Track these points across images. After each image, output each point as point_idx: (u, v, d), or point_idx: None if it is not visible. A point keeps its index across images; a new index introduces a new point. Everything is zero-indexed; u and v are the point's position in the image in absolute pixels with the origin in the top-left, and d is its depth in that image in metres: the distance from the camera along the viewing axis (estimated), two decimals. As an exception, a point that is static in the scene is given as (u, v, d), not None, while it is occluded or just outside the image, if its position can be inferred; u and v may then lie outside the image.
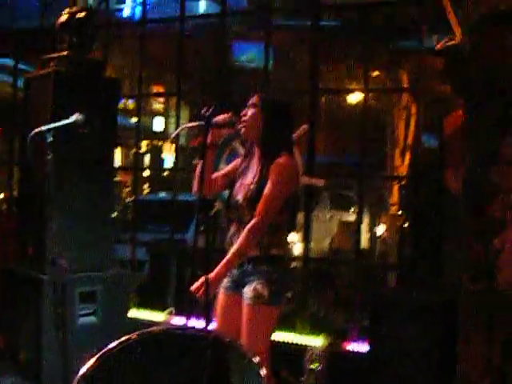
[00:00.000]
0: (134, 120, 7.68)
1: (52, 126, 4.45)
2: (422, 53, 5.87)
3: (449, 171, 5.22)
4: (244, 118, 3.95)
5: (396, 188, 8.38)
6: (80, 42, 5.93)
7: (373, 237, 9.93)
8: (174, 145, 7.40)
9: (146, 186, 22.64)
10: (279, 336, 5.90)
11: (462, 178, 4.75)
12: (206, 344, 2.13)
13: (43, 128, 4.41)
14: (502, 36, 4.50)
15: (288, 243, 4.06)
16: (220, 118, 3.82)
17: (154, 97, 13.35)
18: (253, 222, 3.79)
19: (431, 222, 5.55)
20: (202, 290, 3.65)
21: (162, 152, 24.14)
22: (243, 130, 3.95)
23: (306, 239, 6.18)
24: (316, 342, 5.82)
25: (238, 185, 4.03)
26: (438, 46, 5.39)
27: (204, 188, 3.94)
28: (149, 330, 2.34)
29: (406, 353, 4.75)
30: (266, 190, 3.81)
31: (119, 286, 6.08)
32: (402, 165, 8.00)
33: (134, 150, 7.81)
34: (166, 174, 22.02)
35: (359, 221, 6.36)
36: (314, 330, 6.01)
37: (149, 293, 8.25)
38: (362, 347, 5.64)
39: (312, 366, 1.46)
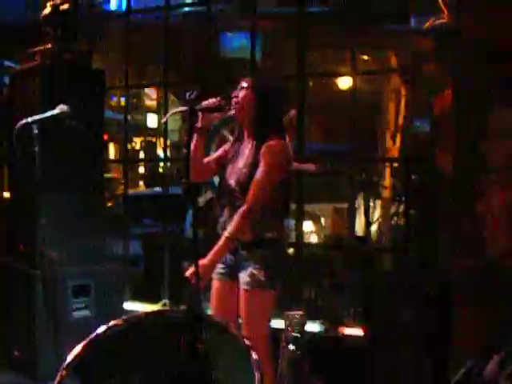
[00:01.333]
0: (128, 116, 7.56)
1: (37, 117, 4.42)
2: (410, 34, 5.81)
3: (440, 151, 5.18)
4: (235, 100, 3.90)
5: (388, 171, 8.36)
6: (64, 34, 5.89)
7: (366, 221, 9.91)
8: (165, 139, 7.30)
9: (141, 182, 22.65)
10: (274, 323, 5.88)
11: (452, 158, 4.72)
12: (189, 322, 2.09)
13: (28, 120, 4.37)
14: (489, 10, 4.46)
15: (283, 226, 4.00)
16: (210, 101, 3.75)
17: (141, 88, 13.19)
18: (244, 206, 3.76)
19: (425, 204, 5.52)
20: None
21: (156, 148, 24.11)
22: (235, 111, 3.90)
23: (300, 224, 6.14)
24: (312, 327, 5.81)
25: (229, 169, 3.99)
26: (426, 25, 5.36)
27: (196, 173, 3.93)
28: (135, 313, 2.30)
29: (401, 336, 4.71)
30: (257, 174, 3.77)
31: (113, 279, 6.04)
32: (394, 147, 7.97)
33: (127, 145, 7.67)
34: (161, 170, 22.05)
35: (352, 205, 6.33)
36: (310, 315, 5.98)
37: (143, 285, 8.23)
38: (358, 331, 5.61)
39: (294, 334, 1.41)
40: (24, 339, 5.65)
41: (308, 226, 10.29)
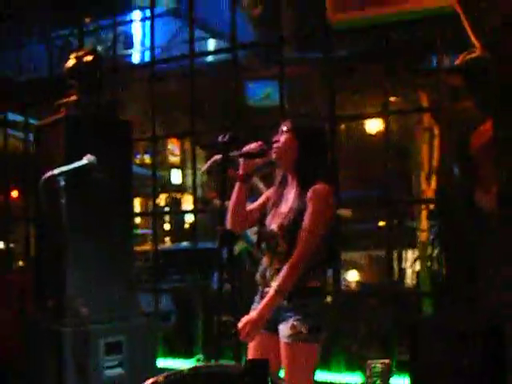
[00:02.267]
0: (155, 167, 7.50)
1: (64, 168, 4.31)
2: (441, 72, 5.67)
3: (479, 190, 4.99)
4: (277, 144, 3.73)
5: (424, 214, 8.18)
6: (89, 86, 5.82)
7: (404, 266, 9.73)
8: (192, 196, 7.20)
9: (167, 239, 22.59)
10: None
11: (494, 196, 4.53)
12: (239, 376, 1.90)
13: (55, 172, 4.26)
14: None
15: (325, 275, 3.81)
16: (251, 146, 3.64)
17: (167, 138, 13.20)
18: (294, 255, 3.56)
19: (464, 246, 5.31)
20: (246, 331, 3.50)
21: (181, 204, 24.11)
22: (276, 156, 3.74)
23: (337, 272, 5.96)
24: (353, 378, 5.62)
25: (271, 214, 3.80)
26: (458, 61, 5.22)
27: (240, 223, 3.81)
28: (176, 371, 2.11)
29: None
30: (306, 220, 3.59)
31: (145, 335, 5.86)
32: (429, 189, 7.79)
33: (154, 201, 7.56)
34: (187, 226, 22.00)
35: (389, 250, 6.13)
36: (350, 366, 5.78)
37: (175, 341, 8.06)
38: (402, 381, 5.39)
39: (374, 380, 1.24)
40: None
41: (353, 274, 10.16)
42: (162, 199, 24.20)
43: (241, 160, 3.69)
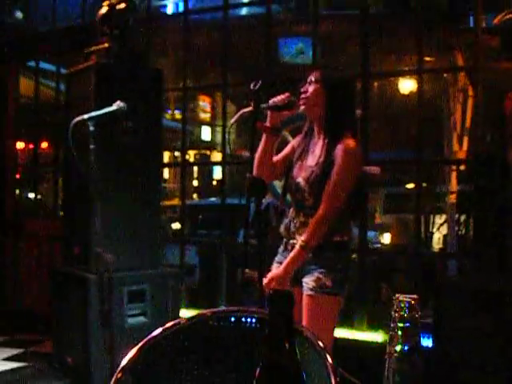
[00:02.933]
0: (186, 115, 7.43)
1: (93, 114, 4.28)
2: (478, 31, 5.55)
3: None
4: (305, 95, 3.67)
5: (454, 175, 8.08)
6: (121, 34, 5.77)
7: (432, 228, 9.68)
8: (221, 153, 7.14)
9: (195, 195, 22.64)
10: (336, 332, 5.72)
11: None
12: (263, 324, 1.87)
13: (84, 116, 4.23)
14: None
15: (351, 230, 3.76)
16: (278, 98, 3.57)
17: (199, 90, 13.07)
18: (321, 210, 3.53)
19: (494, 208, 5.24)
20: (271, 287, 3.49)
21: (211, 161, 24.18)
22: (304, 107, 3.67)
23: (364, 230, 5.91)
24: (375, 337, 5.60)
25: (297, 166, 3.75)
26: (496, 20, 5.12)
27: (267, 174, 3.76)
28: (199, 313, 2.08)
29: (475, 347, 4.41)
30: (334, 175, 3.54)
31: (169, 285, 5.87)
32: (460, 150, 7.69)
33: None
34: (214, 183, 22.02)
35: (417, 212, 6.06)
36: (373, 325, 5.76)
37: (200, 294, 8.08)
38: (426, 342, 5.35)
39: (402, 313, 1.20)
40: (78, 346, 5.50)
41: (381, 236, 10.13)
42: (191, 155, 24.27)
43: (268, 112, 3.64)
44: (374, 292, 6.88)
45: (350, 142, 3.60)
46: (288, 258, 3.56)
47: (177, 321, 2.08)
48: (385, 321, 5.81)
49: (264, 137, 3.73)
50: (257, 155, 3.75)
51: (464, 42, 6.65)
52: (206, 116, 23.69)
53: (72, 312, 5.62)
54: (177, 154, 15.69)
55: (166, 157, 21.26)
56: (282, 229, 3.74)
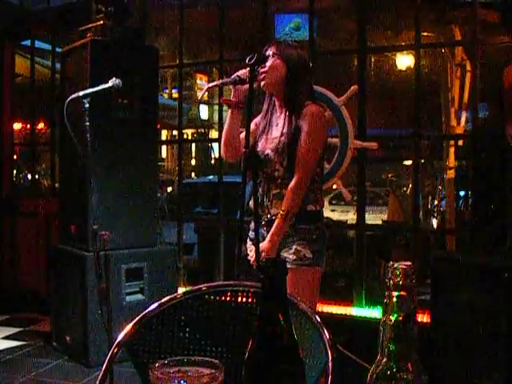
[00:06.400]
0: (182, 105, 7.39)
1: (88, 91, 4.25)
2: (477, 5, 5.51)
3: (510, 126, 4.88)
4: (264, 69, 3.63)
5: (452, 151, 8.04)
6: (116, 11, 5.74)
7: (430, 204, 9.68)
8: (218, 132, 7.12)
9: (193, 174, 22.66)
10: (334, 309, 5.72)
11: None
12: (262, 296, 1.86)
13: (80, 93, 4.20)
14: None
15: (322, 199, 3.73)
16: (240, 72, 3.52)
17: (194, 66, 12.96)
18: (295, 178, 3.52)
19: (493, 183, 5.22)
20: (262, 256, 3.45)
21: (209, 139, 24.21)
22: (264, 82, 3.65)
23: (362, 208, 5.90)
24: (373, 313, 5.61)
25: (262, 141, 3.73)
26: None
27: (233, 150, 3.75)
28: (195, 287, 2.07)
29: (471, 321, 4.40)
30: (303, 142, 3.54)
31: (166, 263, 5.88)
32: (459, 126, 7.65)
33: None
34: (213, 162, 22.04)
35: (415, 188, 6.05)
36: (371, 301, 5.77)
37: (197, 272, 8.07)
38: (423, 318, 5.35)
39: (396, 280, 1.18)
40: (77, 324, 5.51)
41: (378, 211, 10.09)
42: (189, 134, 24.27)
43: (232, 87, 3.61)
44: (373, 268, 6.89)
45: (314, 108, 3.62)
46: (272, 230, 3.53)
47: (173, 295, 2.07)
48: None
49: (229, 112, 3.72)
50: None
51: (461, 16, 6.60)
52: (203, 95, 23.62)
53: (70, 291, 5.63)
54: (175, 132, 15.65)
55: (164, 136, 21.30)
56: (251, 205, 3.69)
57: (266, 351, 1.08)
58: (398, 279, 1.05)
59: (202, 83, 22.91)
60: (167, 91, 22.91)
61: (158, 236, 6.24)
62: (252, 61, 3.33)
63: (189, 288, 2.18)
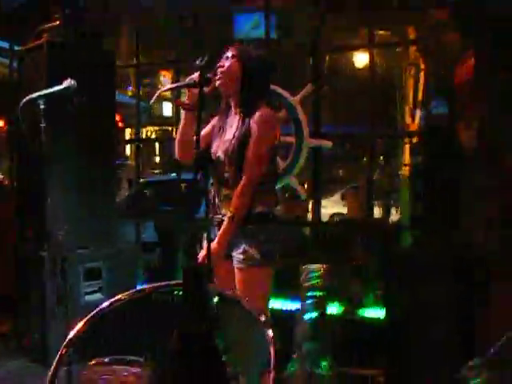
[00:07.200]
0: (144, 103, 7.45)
1: (43, 92, 4.26)
2: (428, 4, 5.61)
3: (461, 124, 4.99)
4: (221, 70, 3.71)
5: (407, 148, 8.14)
6: (73, 12, 5.75)
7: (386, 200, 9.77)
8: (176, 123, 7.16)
9: (157, 171, 22.58)
10: (288, 304, 5.79)
11: (475, 130, 4.53)
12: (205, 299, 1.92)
13: (34, 95, 4.22)
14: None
15: (274, 201, 3.79)
16: (195, 75, 3.53)
17: (151, 66, 12.92)
18: (242, 181, 3.59)
19: (445, 179, 5.32)
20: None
21: (172, 137, 24.12)
22: (220, 82, 3.71)
23: (317, 204, 5.98)
24: (331, 309, 5.69)
25: (216, 142, 3.81)
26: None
27: (189, 153, 3.71)
28: (140, 288, 2.13)
29: (424, 315, 4.49)
30: (253, 145, 3.60)
31: (125, 262, 5.91)
32: (413, 123, 7.76)
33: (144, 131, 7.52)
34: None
35: (370, 185, 6.14)
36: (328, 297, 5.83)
37: (158, 271, 8.09)
38: (378, 313, 5.44)
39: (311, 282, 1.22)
40: (35, 325, 5.53)
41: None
42: (152, 132, 24.19)
43: (186, 89, 3.67)
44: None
45: (265, 111, 3.67)
46: (220, 232, 3.61)
47: (124, 294, 2.13)
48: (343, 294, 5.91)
49: (183, 114, 3.78)
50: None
51: (414, 15, 6.70)
52: (167, 93, 23.55)
53: (28, 292, 5.64)
54: (140, 130, 15.60)
55: (128, 134, 21.21)
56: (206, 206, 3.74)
57: (181, 346, 1.14)
58: (313, 281, 1.11)
59: (165, 81, 22.81)
60: (131, 89, 22.81)
61: (117, 235, 6.24)
62: (202, 62, 3.38)
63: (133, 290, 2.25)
